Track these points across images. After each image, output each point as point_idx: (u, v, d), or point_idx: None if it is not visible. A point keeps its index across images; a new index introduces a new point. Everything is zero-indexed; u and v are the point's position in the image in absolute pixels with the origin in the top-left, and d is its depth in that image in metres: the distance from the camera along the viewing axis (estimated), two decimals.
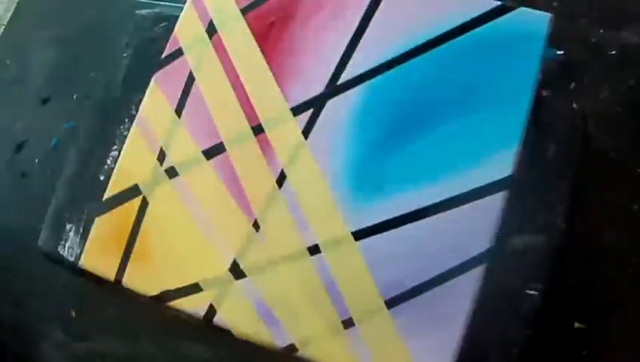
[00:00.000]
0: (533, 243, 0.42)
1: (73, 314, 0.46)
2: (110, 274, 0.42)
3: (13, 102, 0.61)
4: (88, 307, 0.46)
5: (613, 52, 0.50)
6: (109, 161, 0.47)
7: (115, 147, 0.48)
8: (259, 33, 0.47)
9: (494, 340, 0.36)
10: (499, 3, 0.44)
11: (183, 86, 0.47)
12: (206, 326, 0.41)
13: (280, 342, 0.39)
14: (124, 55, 0.59)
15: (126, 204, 0.44)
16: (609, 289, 0.40)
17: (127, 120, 0.48)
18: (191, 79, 0.47)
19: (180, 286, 0.41)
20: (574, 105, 0.47)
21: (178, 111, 0.46)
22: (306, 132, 0.43)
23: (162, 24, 0.58)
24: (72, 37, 0.64)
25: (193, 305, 0.41)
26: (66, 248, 0.46)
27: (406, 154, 0.41)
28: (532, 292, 0.40)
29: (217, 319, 0.40)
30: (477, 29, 0.43)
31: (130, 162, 0.45)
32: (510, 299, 0.39)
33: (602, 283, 0.40)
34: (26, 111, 0.59)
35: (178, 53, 0.48)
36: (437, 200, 0.39)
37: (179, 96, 0.46)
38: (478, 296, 0.36)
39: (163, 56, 0.48)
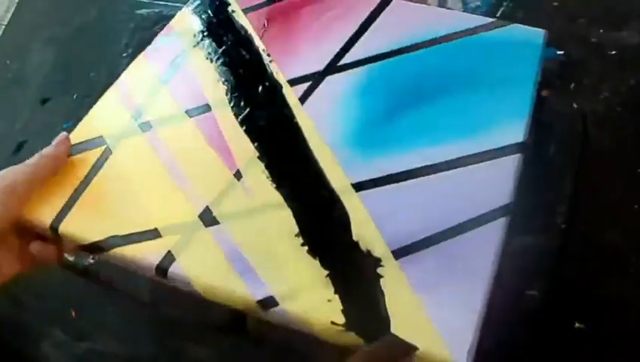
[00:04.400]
0: (533, 243, 0.42)
1: (73, 314, 0.46)
2: (46, 221, 0.38)
3: (13, 102, 0.61)
4: (88, 307, 0.46)
5: (613, 52, 0.50)
6: None
7: None
8: (259, 28, 0.48)
9: (495, 340, 0.36)
10: (494, 19, 0.45)
11: (172, 59, 0.46)
12: (161, 276, 0.36)
13: (255, 295, 0.34)
14: (124, 55, 0.59)
15: (82, 155, 0.41)
16: (609, 289, 0.40)
17: None
18: (182, 55, 0.47)
19: (130, 232, 0.37)
20: (574, 105, 0.47)
21: (163, 80, 0.45)
22: (303, 100, 0.43)
23: (162, 24, 0.59)
24: (73, 37, 0.64)
25: (145, 253, 0.36)
26: None
27: (411, 121, 0.41)
28: (532, 292, 0.40)
29: (174, 268, 0.35)
30: (478, 35, 0.45)
31: (100, 118, 0.44)
32: (510, 299, 0.39)
33: (602, 284, 0.40)
34: (26, 111, 0.59)
35: (171, 37, 0.48)
36: (447, 158, 0.38)
37: (167, 67, 0.46)
38: (500, 251, 0.34)
39: (156, 39, 0.48)
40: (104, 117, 0.44)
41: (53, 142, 0.41)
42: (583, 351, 0.39)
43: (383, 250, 0.35)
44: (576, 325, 0.39)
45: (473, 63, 0.43)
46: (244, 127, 0.41)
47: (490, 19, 0.45)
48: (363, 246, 0.35)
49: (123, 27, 0.61)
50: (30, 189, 0.39)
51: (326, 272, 0.34)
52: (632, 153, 0.45)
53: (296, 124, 0.41)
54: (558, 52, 0.50)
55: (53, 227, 0.38)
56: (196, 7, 0.50)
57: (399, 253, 0.34)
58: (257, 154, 0.40)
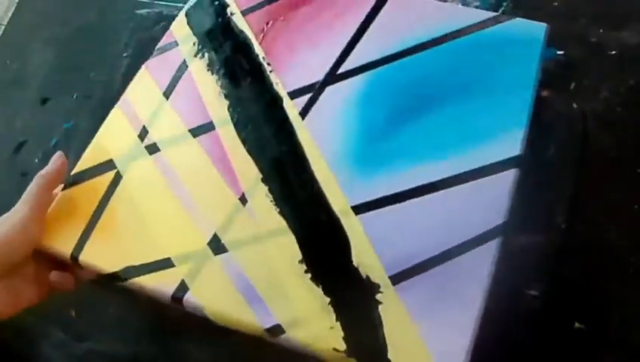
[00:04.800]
0: (533, 243, 0.42)
1: (73, 314, 0.46)
2: (66, 250, 0.39)
3: (13, 102, 0.61)
4: (88, 307, 0.46)
5: (613, 52, 0.50)
6: None
7: None
8: (258, 32, 0.47)
9: (495, 340, 0.36)
10: (495, 13, 0.45)
11: (174, 72, 0.47)
12: (176, 304, 0.37)
13: (263, 323, 0.35)
14: (124, 55, 0.59)
15: (95, 179, 0.42)
16: (609, 289, 0.40)
17: None
18: (183, 67, 0.47)
19: (146, 261, 0.38)
20: (574, 105, 0.47)
21: (166, 94, 0.45)
22: (303, 114, 0.43)
23: (162, 24, 0.59)
24: (72, 37, 0.64)
25: (161, 282, 0.37)
26: None
27: (409, 135, 0.41)
28: (532, 292, 0.40)
29: (188, 297, 0.37)
30: (477, 33, 0.44)
31: (108, 139, 0.44)
32: (510, 299, 0.39)
33: (602, 284, 0.40)
34: (26, 111, 0.59)
35: (172, 45, 0.48)
36: (444, 176, 0.38)
37: (168, 81, 0.46)
38: (493, 274, 0.35)
39: (157, 47, 0.48)
40: (112, 138, 0.44)
41: (50, 162, 0.42)
42: (583, 351, 0.39)
43: (382, 276, 0.36)
44: (576, 325, 0.39)
45: (473, 65, 0.43)
46: (246, 146, 0.42)
47: (493, 13, 0.45)
48: (363, 273, 0.36)
49: (123, 27, 0.61)
50: (42, 212, 0.40)
51: (328, 300, 0.36)
52: (632, 153, 0.45)
53: (298, 142, 0.42)
54: (558, 52, 0.50)
55: (74, 256, 0.39)
56: (195, 11, 0.50)
57: (396, 279, 0.36)
58: (261, 176, 0.41)
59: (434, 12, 0.46)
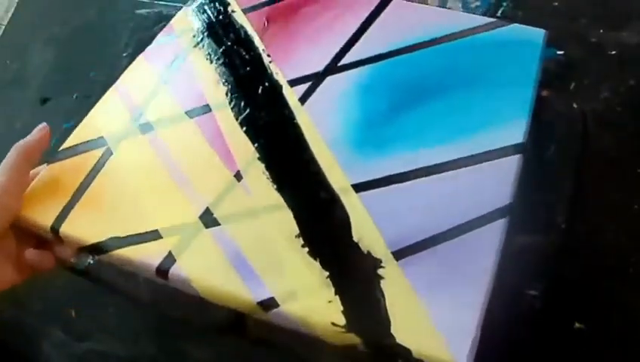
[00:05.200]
0: (533, 243, 0.42)
1: (73, 314, 0.46)
2: (47, 222, 0.38)
3: (13, 102, 0.61)
4: (88, 307, 0.46)
5: (613, 52, 0.50)
6: None
7: None
8: (258, 29, 0.48)
9: (495, 340, 0.36)
10: (493, 19, 0.45)
11: (171, 60, 0.46)
12: (161, 278, 0.36)
13: (256, 296, 0.34)
14: (124, 55, 0.59)
15: (83, 155, 0.41)
16: (609, 289, 0.40)
17: None
18: (182, 56, 0.47)
19: (131, 233, 0.37)
20: (574, 105, 0.47)
21: (163, 79, 0.45)
22: (303, 100, 0.42)
23: (162, 24, 0.59)
24: (72, 37, 0.64)
25: (146, 254, 0.36)
26: None
27: (412, 121, 0.41)
28: (532, 292, 0.40)
29: (175, 269, 0.35)
30: (477, 35, 0.45)
31: (100, 118, 0.43)
32: (510, 299, 0.39)
33: (602, 283, 0.40)
34: (25, 111, 0.59)
35: (171, 37, 0.48)
36: (448, 159, 0.38)
37: (166, 68, 0.46)
38: (500, 252, 0.34)
39: (155, 39, 0.48)
40: (105, 117, 0.43)
41: (32, 133, 0.41)
42: (583, 351, 0.39)
43: (384, 251, 0.35)
44: (576, 325, 0.39)
45: (473, 63, 0.43)
46: (244, 128, 0.41)
47: (490, 19, 0.45)
48: (363, 248, 0.35)
49: (123, 27, 0.61)
50: (20, 184, 0.38)
51: (326, 273, 0.34)
52: (632, 153, 0.45)
53: (297, 124, 0.41)
54: (558, 52, 0.50)
55: (54, 228, 0.38)
56: (196, 8, 0.50)
57: (399, 254, 0.34)
58: (258, 155, 0.40)
59: (434, 16, 0.46)
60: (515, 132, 0.39)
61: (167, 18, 0.52)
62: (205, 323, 0.42)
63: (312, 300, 0.33)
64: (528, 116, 0.40)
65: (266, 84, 0.44)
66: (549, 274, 0.41)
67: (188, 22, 0.49)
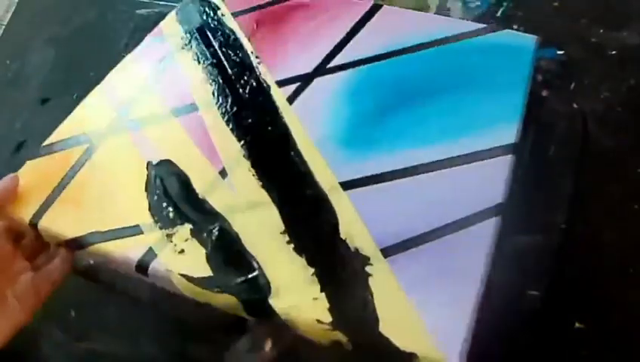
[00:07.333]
0: (533, 243, 0.42)
1: (73, 314, 0.46)
2: (26, 216, 0.38)
3: (13, 102, 0.61)
4: (88, 307, 0.46)
5: (613, 52, 0.50)
6: None
7: None
8: (247, 32, 0.48)
9: (495, 340, 0.36)
10: (485, 25, 0.45)
11: (159, 61, 0.46)
12: (141, 273, 0.35)
13: None
14: (124, 55, 0.59)
15: (65, 152, 0.41)
16: (609, 289, 0.40)
17: None
18: (169, 57, 0.47)
19: (111, 228, 0.36)
20: (574, 105, 0.47)
21: (149, 79, 0.45)
22: (291, 100, 0.42)
23: None
24: (72, 37, 0.64)
25: (125, 249, 0.35)
26: None
27: (401, 122, 0.40)
28: (532, 292, 0.40)
29: (156, 264, 0.34)
30: (470, 40, 0.45)
31: (85, 114, 0.43)
32: (510, 299, 0.39)
33: (602, 284, 0.40)
34: (26, 111, 0.59)
35: (159, 39, 0.48)
36: (440, 158, 0.38)
37: (153, 68, 0.46)
38: (492, 251, 0.34)
39: (144, 40, 0.48)
40: (89, 115, 0.43)
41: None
42: (583, 351, 0.39)
43: (372, 249, 0.34)
44: (576, 325, 0.39)
45: (465, 67, 0.43)
46: (230, 127, 0.41)
47: (483, 25, 0.45)
48: (351, 245, 0.35)
49: (123, 27, 0.61)
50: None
51: (312, 270, 0.34)
52: (632, 153, 0.45)
53: (284, 123, 0.41)
54: (558, 52, 0.50)
55: (33, 222, 0.37)
56: (186, 11, 0.50)
57: (388, 252, 0.34)
58: (244, 153, 0.40)
59: (426, 22, 0.46)
60: (507, 133, 0.39)
61: None
62: (205, 323, 0.42)
63: (296, 297, 0.33)
64: (520, 117, 0.40)
65: (254, 84, 0.44)
66: (549, 274, 0.41)
67: (177, 24, 0.49)
